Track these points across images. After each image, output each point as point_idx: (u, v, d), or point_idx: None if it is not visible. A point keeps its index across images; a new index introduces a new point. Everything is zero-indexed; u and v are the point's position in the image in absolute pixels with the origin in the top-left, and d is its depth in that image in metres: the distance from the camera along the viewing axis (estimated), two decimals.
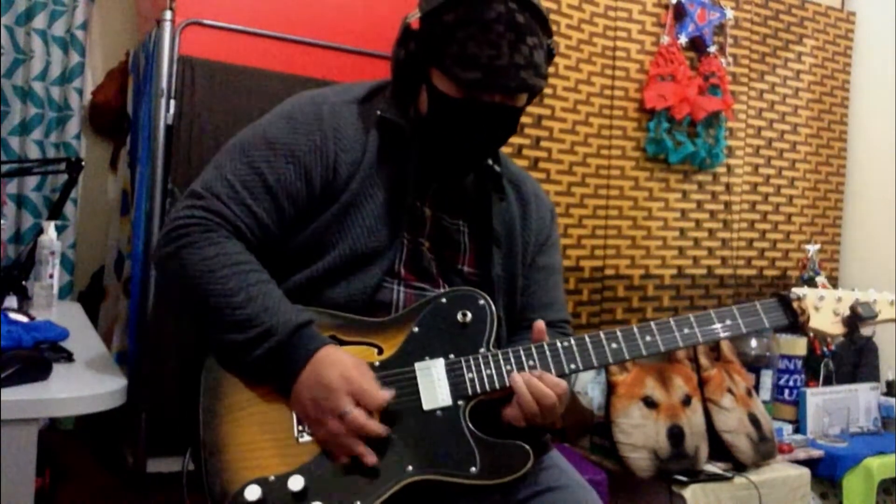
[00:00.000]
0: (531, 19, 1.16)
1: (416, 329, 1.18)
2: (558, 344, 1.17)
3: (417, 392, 1.13)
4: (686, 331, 1.21)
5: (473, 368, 1.15)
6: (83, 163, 2.15)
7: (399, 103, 1.27)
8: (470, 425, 1.12)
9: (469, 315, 1.18)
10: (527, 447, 1.11)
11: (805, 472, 2.31)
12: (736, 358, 2.45)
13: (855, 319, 1.28)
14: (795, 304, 1.26)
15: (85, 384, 1.25)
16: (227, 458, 1.07)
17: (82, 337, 1.64)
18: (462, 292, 1.22)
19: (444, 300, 1.20)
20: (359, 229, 1.19)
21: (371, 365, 1.13)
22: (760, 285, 2.99)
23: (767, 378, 2.60)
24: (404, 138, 1.24)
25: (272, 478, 1.05)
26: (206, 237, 1.13)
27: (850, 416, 2.71)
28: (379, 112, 1.24)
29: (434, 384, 1.14)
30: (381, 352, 1.16)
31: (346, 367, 1.09)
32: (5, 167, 2.36)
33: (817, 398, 2.65)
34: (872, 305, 1.28)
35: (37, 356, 1.28)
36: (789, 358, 2.67)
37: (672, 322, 1.21)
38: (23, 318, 1.59)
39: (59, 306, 2.06)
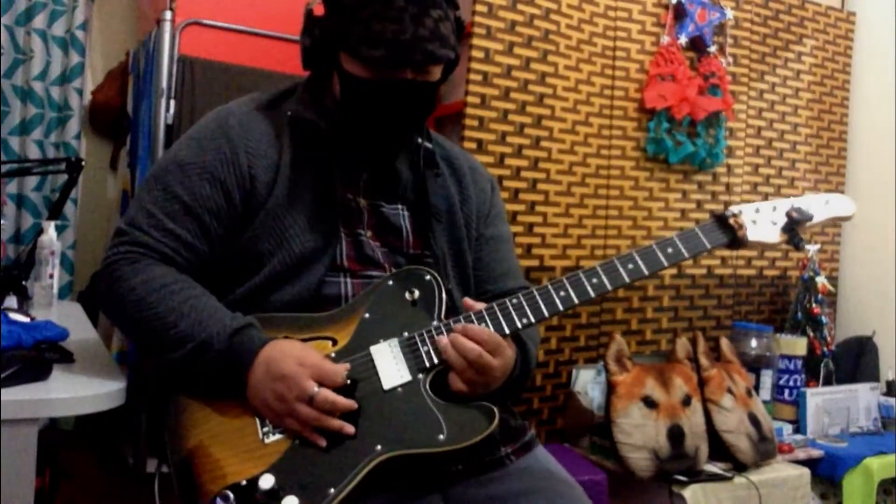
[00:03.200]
0: None
1: (366, 315, 1.19)
2: (508, 302, 1.18)
3: (376, 373, 1.14)
4: (631, 266, 1.21)
5: (428, 341, 1.15)
6: (83, 163, 2.15)
7: (312, 99, 1.28)
8: (432, 396, 1.12)
9: (417, 292, 1.20)
10: (492, 407, 1.10)
11: (805, 472, 2.31)
12: (736, 358, 2.45)
13: (792, 224, 1.28)
14: (732, 221, 1.26)
15: (85, 384, 1.25)
16: (197, 473, 1.08)
17: (82, 337, 1.64)
18: (407, 271, 1.23)
19: (390, 282, 1.21)
20: (293, 232, 1.20)
21: (327, 356, 1.14)
22: (760, 285, 2.99)
23: (767, 378, 2.60)
24: (320, 134, 1.24)
25: (244, 482, 1.05)
26: (132, 269, 1.15)
27: (850, 416, 2.71)
28: (289, 113, 1.25)
29: (391, 363, 1.14)
30: (335, 343, 1.17)
31: (298, 355, 1.10)
32: (5, 167, 2.35)
33: (817, 398, 2.65)
34: (807, 208, 1.29)
35: (37, 356, 1.28)
36: (789, 358, 2.67)
37: (616, 261, 1.21)
38: (23, 318, 1.59)
39: (59, 306, 2.06)
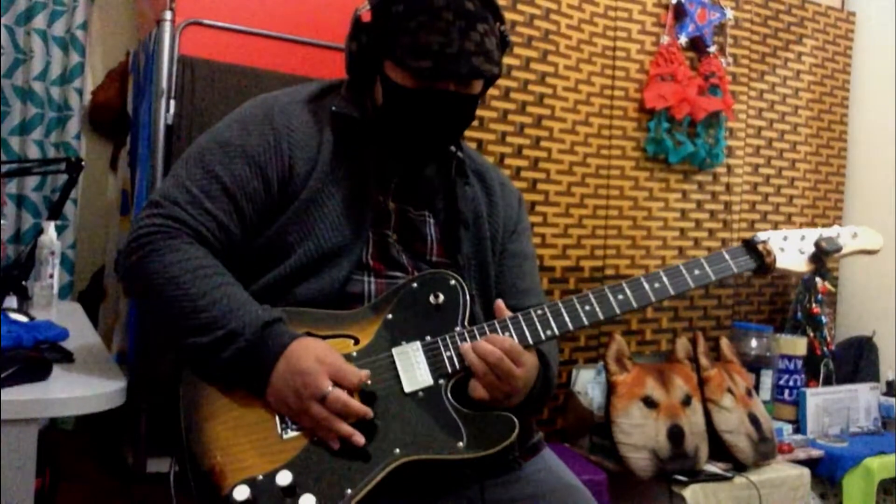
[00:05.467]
0: (480, 6, 1.18)
1: (389, 316, 1.18)
2: (532, 312, 1.18)
3: (398, 376, 1.13)
4: (657, 285, 1.21)
5: (451, 346, 1.15)
6: (83, 163, 2.15)
7: (354, 98, 1.28)
8: (453, 402, 1.12)
9: (441, 296, 1.19)
10: (512, 416, 1.10)
11: (805, 472, 2.31)
12: (736, 358, 2.45)
13: (820, 254, 1.28)
14: (761, 247, 1.26)
15: (85, 384, 1.25)
16: (213, 464, 1.07)
17: (82, 337, 1.64)
18: (432, 275, 1.22)
19: (415, 285, 1.21)
20: (322, 226, 1.20)
21: (349, 355, 1.14)
22: (760, 285, 2.99)
23: (767, 378, 2.60)
24: (361, 133, 1.25)
25: (260, 476, 1.05)
26: (168, 244, 1.13)
27: (850, 416, 2.71)
28: (333, 108, 1.25)
29: (413, 366, 1.14)
30: (357, 342, 1.16)
31: (319, 353, 1.09)
32: (5, 167, 2.35)
33: (817, 398, 2.65)
34: (836, 239, 1.29)
35: (37, 356, 1.28)
36: (789, 358, 2.67)
37: (642, 279, 1.21)
38: (23, 318, 1.59)
39: (59, 306, 2.06)
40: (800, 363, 2.68)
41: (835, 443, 2.55)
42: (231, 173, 1.18)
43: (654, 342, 2.70)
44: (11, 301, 1.83)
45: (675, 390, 2.18)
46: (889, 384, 2.83)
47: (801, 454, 2.43)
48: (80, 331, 1.70)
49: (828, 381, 2.78)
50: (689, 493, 2.07)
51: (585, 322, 1.18)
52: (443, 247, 1.30)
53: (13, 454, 1.12)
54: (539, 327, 1.17)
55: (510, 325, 1.17)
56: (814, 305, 2.81)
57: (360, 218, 1.22)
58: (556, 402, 2.46)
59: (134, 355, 2.39)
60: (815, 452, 2.47)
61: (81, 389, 1.22)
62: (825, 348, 2.80)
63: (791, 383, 2.66)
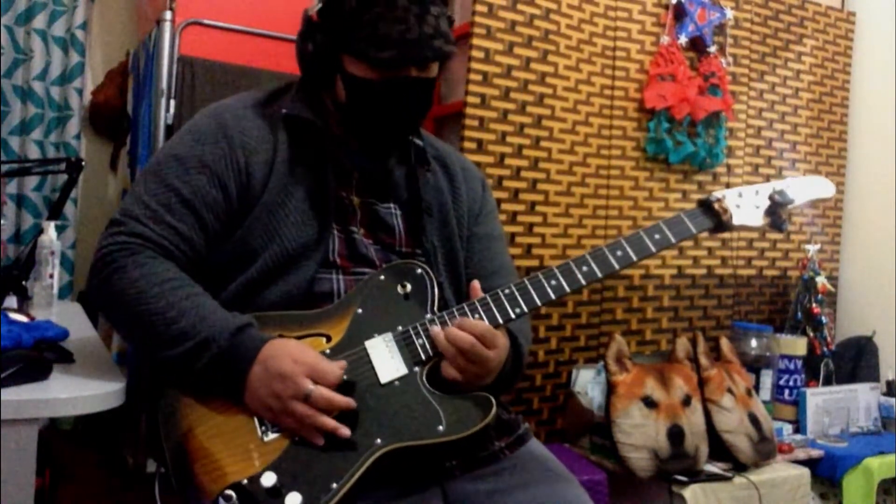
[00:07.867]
0: None
1: (359, 311, 1.19)
2: (500, 293, 1.19)
3: (373, 368, 1.14)
4: (619, 253, 1.23)
5: (422, 333, 1.16)
6: (83, 163, 2.15)
7: (307, 98, 1.29)
8: (429, 388, 1.13)
9: (409, 286, 1.21)
10: (489, 396, 1.12)
11: (805, 472, 2.31)
12: (736, 358, 2.45)
13: (775, 207, 1.31)
14: (717, 205, 1.30)
15: (85, 384, 1.25)
16: (198, 473, 1.08)
17: (82, 337, 1.64)
18: (398, 266, 1.24)
19: (381, 277, 1.22)
20: (286, 227, 1.21)
21: (322, 353, 1.14)
22: (760, 285, 2.99)
23: (767, 378, 2.60)
24: (316, 132, 1.26)
25: (245, 481, 1.05)
26: (132, 260, 1.14)
27: (850, 416, 2.71)
28: (284, 111, 1.26)
29: (387, 357, 1.15)
30: (329, 339, 1.17)
31: (294, 353, 1.10)
32: (5, 167, 2.36)
33: (817, 398, 2.65)
34: (788, 191, 1.32)
35: (37, 356, 1.28)
36: (789, 358, 2.67)
37: (605, 249, 1.23)
38: (23, 318, 1.59)
39: (59, 306, 2.06)
40: (800, 363, 2.68)
41: (835, 443, 2.55)
42: (189, 184, 1.19)
43: (654, 342, 2.70)
44: (11, 301, 1.83)
45: (675, 390, 2.18)
46: (889, 384, 2.82)
47: (801, 454, 2.43)
48: (80, 331, 1.70)
49: (828, 381, 2.78)
50: (689, 493, 2.07)
51: (552, 296, 1.20)
52: (410, 237, 1.31)
53: (13, 454, 1.12)
54: (508, 306, 1.18)
55: (479, 308, 1.18)
56: (814, 305, 2.81)
57: (323, 216, 1.23)
58: (556, 403, 2.46)
59: (134, 355, 2.38)
60: (815, 452, 2.47)
61: (81, 389, 1.22)
62: (825, 348, 2.80)
63: (791, 383, 2.66)
